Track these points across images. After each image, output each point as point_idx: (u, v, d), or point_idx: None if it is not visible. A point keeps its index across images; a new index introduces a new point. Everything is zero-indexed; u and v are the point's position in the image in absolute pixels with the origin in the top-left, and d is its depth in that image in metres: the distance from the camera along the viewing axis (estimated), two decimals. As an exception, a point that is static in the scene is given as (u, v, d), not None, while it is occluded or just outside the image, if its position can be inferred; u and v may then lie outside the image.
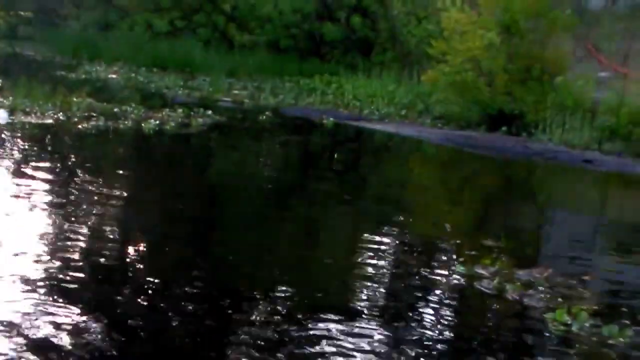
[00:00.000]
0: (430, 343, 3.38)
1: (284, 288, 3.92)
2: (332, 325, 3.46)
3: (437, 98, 13.24)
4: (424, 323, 3.63)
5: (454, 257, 4.74)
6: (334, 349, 3.21)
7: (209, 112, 10.86)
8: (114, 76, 15.64)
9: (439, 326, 3.61)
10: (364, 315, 3.64)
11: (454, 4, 12.54)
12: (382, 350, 3.26)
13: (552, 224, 6.97)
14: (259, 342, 3.19)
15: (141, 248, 4.63)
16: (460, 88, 12.33)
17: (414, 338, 3.44)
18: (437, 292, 4.15)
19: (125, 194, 5.93)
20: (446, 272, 4.45)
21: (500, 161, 10.33)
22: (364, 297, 3.97)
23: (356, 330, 3.45)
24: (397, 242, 5.19)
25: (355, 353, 3.19)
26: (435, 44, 12.67)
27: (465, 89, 12.29)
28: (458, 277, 4.36)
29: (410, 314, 3.77)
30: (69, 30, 21.59)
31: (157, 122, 9.62)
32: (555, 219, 7.26)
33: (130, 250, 4.57)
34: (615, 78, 14.14)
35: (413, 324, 3.61)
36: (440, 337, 3.49)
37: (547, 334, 3.64)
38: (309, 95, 14.77)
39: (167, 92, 13.57)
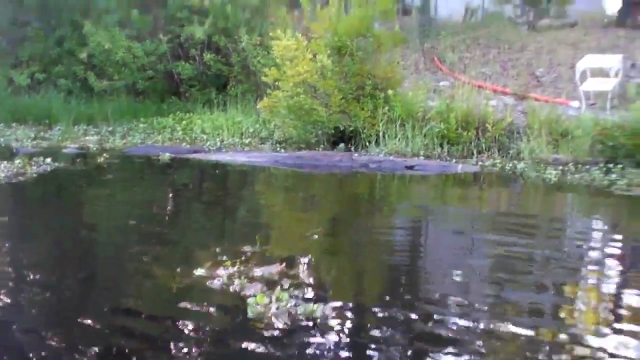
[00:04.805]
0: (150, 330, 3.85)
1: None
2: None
3: (275, 124, 13.76)
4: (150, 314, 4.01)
5: (203, 262, 5.10)
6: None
7: (49, 159, 11.03)
8: (-35, 134, 15.59)
9: (158, 316, 4.02)
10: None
11: (285, 33, 13.04)
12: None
13: (330, 225, 7.38)
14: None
15: None
16: (296, 111, 12.82)
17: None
18: (172, 291, 4.52)
19: None
20: (186, 276, 4.82)
21: (319, 176, 10.83)
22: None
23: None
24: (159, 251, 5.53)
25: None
26: (269, 72, 13.14)
27: (301, 112, 12.79)
28: (194, 278, 4.76)
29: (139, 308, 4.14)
30: None
31: (-11, 174, 9.78)
32: (339, 221, 7.70)
33: None
34: (455, 86, 14.79)
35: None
36: (158, 324, 3.91)
37: (248, 315, 4.08)
38: (159, 134, 15.16)
39: (16, 145, 13.66)
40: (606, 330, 4.02)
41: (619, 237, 6.95)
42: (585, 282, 5.07)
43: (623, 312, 4.41)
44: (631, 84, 13.24)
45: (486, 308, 4.38)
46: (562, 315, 4.34)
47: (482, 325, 4.05)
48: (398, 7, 22.55)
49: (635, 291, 4.79)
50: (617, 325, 4.11)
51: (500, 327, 4.01)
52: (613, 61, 14.21)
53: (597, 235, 7.02)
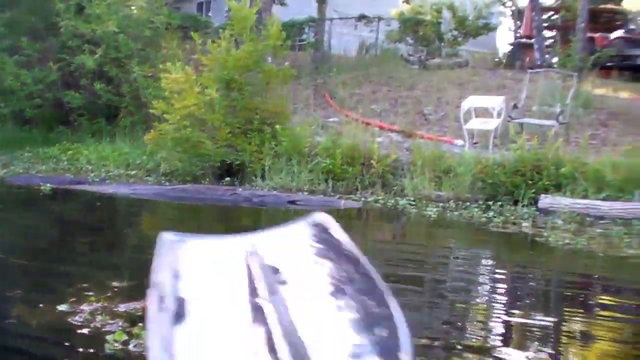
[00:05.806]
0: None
1: None
2: None
3: (161, 156, 13.67)
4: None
5: (68, 297, 5.01)
6: None
7: None
8: None
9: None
10: None
11: (174, 66, 13.02)
12: None
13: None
14: None
15: None
16: (183, 144, 12.79)
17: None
18: (32, 327, 4.44)
19: None
20: (48, 312, 4.72)
21: (201, 209, 10.83)
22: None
23: None
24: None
25: None
26: (156, 104, 13.08)
27: (187, 145, 12.76)
28: (57, 314, 4.67)
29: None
30: None
31: None
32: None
33: None
34: (343, 123, 14.98)
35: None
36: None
37: (105, 352, 4.03)
38: (44, 164, 14.87)
39: None
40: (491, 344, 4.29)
41: (486, 269, 7.17)
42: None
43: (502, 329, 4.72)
44: (512, 124, 13.66)
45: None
46: (450, 330, 4.51)
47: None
48: (294, 42, 22.84)
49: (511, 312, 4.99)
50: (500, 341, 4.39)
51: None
52: (496, 102, 14.65)
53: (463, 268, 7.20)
